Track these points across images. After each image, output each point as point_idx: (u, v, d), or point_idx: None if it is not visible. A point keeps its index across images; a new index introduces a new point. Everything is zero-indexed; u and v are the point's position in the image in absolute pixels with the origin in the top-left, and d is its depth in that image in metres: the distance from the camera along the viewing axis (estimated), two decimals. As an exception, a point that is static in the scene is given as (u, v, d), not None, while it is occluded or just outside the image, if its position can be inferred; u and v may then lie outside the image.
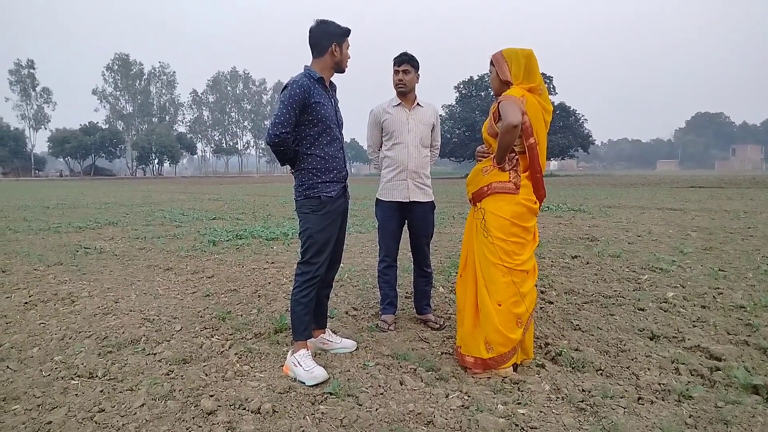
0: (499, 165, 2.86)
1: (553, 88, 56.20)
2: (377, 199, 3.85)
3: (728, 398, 2.49)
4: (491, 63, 2.99)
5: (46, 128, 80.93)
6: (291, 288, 3.05)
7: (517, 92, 2.82)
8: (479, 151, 3.08)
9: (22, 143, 78.84)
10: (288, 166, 3.03)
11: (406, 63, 3.64)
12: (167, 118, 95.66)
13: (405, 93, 3.70)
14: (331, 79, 3.04)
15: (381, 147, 3.85)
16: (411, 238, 3.87)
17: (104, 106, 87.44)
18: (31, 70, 78.75)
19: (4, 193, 25.60)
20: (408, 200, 3.71)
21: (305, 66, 2.97)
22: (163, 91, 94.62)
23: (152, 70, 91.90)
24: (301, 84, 2.81)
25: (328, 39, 2.89)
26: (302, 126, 2.87)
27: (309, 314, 2.97)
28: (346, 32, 2.94)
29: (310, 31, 2.92)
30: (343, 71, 3.02)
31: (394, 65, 3.67)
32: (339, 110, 3.11)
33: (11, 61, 77.38)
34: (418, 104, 3.76)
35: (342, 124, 3.13)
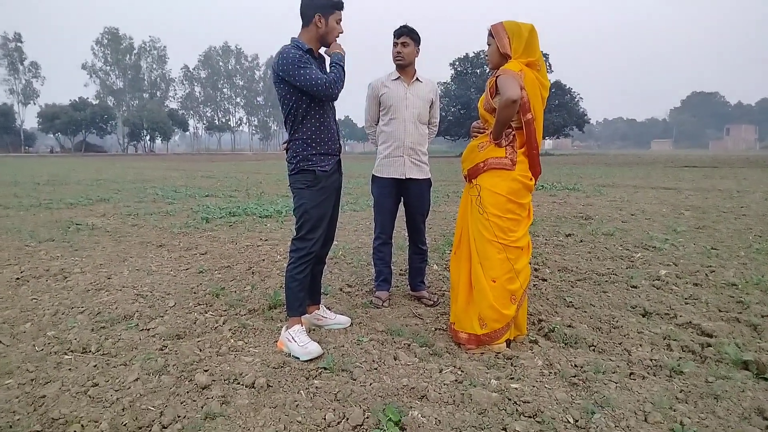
0: (496, 141, 2.83)
1: (550, 65, 55.83)
2: (373, 175, 3.80)
3: (719, 374, 2.52)
4: (490, 34, 2.92)
5: (35, 104, 79.62)
6: (286, 264, 3.03)
7: (515, 66, 2.77)
8: (475, 127, 3.05)
9: (11, 119, 77.56)
10: (282, 143, 2.98)
11: (405, 35, 3.56)
12: (158, 94, 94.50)
13: (404, 66, 3.63)
14: (321, 51, 2.97)
15: (378, 122, 3.81)
16: (407, 216, 3.85)
17: (94, 82, 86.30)
18: (19, 44, 77.21)
19: (-6, 169, 25.30)
20: (404, 177, 3.67)
21: (292, 38, 2.89)
22: (154, 66, 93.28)
23: (143, 45, 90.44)
24: (291, 50, 2.76)
25: (312, 9, 2.81)
26: (294, 96, 2.80)
27: (303, 290, 2.96)
28: (335, 4, 2.84)
29: (301, 1, 2.85)
30: (328, 45, 2.92)
31: (393, 38, 3.60)
32: None
33: (-3, 35, 75.53)
34: (417, 79, 3.70)
35: None
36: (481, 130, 2.99)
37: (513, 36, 2.83)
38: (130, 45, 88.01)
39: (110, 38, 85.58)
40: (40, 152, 78.58)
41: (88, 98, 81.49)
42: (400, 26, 3.59)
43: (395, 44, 3.59)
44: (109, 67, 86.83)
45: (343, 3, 2.88)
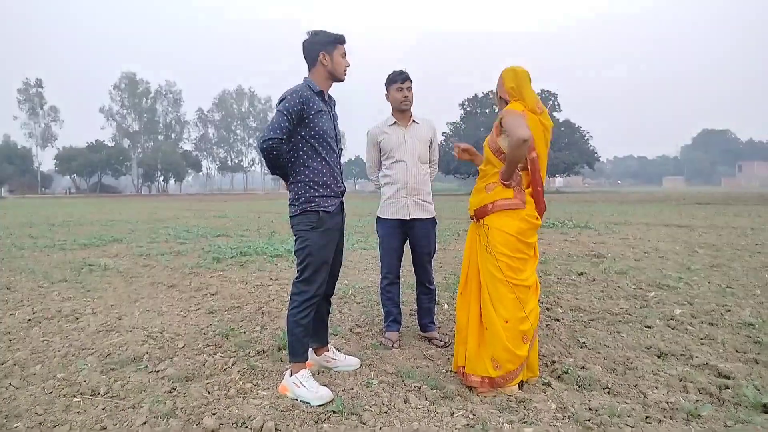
0: (506, 182, 2.85)
1: (558, 105, 56.48)
2: (378, 216, 3.84)
3: (737, 417, 2.46)
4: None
5: (53, 146, 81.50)
6: (288, 307, 3.00)
7: (518, 107, 2.84)
8: (459, 146, 3.21)
9: (29, 161, 79.57)
10: (284, 182, 3.01)
11: (409, 80, 3.66)
12: (173, 136, 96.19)
13: (405, 110, 3.71)
14: (330, 92, 3.01)
15: (380, 166, 3.87)
16: (413, 255, 3.85)
17: (111, 124, 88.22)
18: (40, 89, 79.62)
19: (11, 210, 25.76)
20: (408, 218, 3.70)
21: (305, 77, 2.93)
22: (170, 109, 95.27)
23: (159, 89, 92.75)
24: (301, 94, 2.78)
25: (316, 49, 2.86)
26: (300, 137, 2.83)
27: (308, 335, 2.92)
28: (337, 39, 2.87)
29: (302, 44, 2.91)
30: (340, 80, 2.95)
31: (396, 83, 3.65)
32: (337, 125, 3.08)
33: (20, 80, 78.26)
34: (414, 121, 3.78)
35: (339, 138, 3.10)
36: (465, 150, 3.17)
37: (506, 78, 2.95)
38: (147, 89, 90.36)
39: (128, 82, 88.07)
40: (56, 193, 79.98)
41: (104, 141, 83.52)
42: (401, 71, 3.66)
43: (400, 89, 3.64)
44: (125, 111, 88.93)
45: (344, 37, 2.91)
